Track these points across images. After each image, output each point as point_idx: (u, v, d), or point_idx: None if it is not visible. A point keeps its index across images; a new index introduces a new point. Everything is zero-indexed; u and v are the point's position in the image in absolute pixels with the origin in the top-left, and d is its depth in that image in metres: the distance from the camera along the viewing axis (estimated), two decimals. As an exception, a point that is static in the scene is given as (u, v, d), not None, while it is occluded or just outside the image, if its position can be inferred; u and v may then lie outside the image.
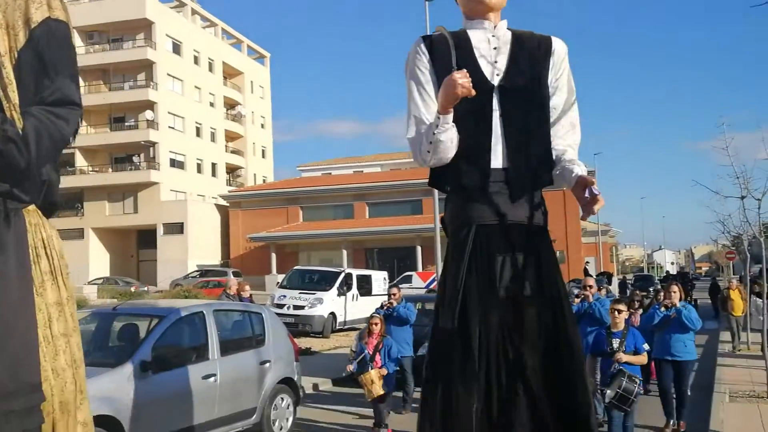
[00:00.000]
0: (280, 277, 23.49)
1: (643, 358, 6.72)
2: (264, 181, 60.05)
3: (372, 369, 7.56)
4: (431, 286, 25.18)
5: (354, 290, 21.38)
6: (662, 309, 7.90)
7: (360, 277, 22.44)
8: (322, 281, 21.16)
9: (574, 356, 2.78)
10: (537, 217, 2.87)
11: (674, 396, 7.96)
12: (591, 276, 30.43)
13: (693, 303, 25.56)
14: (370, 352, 7.68)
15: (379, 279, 23.74)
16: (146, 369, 6.17)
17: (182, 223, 45.81)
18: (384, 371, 7.63)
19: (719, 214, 18.31)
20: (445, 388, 2.76)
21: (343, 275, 21.32)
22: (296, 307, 19.47)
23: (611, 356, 6.49)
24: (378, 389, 7.50)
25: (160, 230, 46.50)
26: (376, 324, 7.87)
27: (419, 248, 39.11)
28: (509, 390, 2.71)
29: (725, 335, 17.49)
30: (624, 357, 6.46)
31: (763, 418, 8.14)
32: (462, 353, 2.76)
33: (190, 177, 50.71)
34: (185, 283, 34.82)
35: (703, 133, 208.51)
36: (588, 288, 8.64)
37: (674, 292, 7.93)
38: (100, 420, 5.67)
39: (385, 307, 9.37)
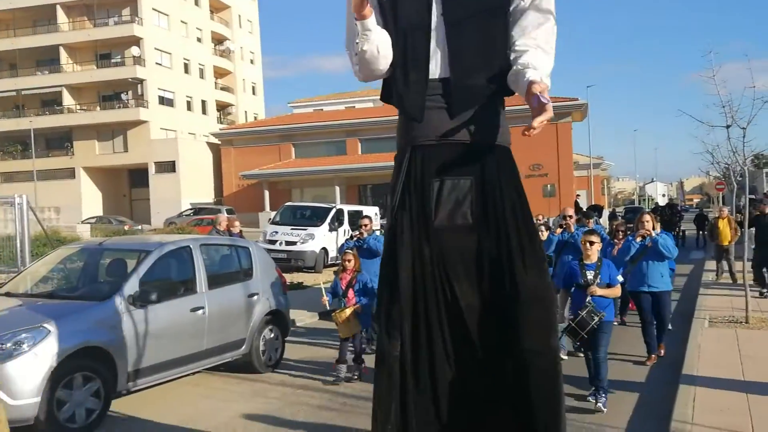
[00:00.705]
0: (274, 215, 23.54)
1: (617, 291, 6.48)
2: (255, 118, 59.41)
3: (345, 306, 7.27)
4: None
5: (345, 226, 21.48)
6: (638, 239, 7.67)
7: (352, 213, 22.50)
8: (313, 217, 21.25)
9: (520, 294, 2.44)
10: (486, 133, 2.50)
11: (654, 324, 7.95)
12: (581, 208, 30.60)
13: (681, 234, 25.96)
14: (343, 288, 7.38)
15: (371, 215, 23.81)
16: (134, 302, 6.28)
17: (174, 161, 45.57)
18: (358, 307, 7.28)
19: (707, 145, 18.23)
20: (378, 334, 2.60)
21: (334, 211, 21.39)
22: (288, 243, 19.61)
23: (585, 288, 6.21)
24: (350, 329, 7.18)
25: (151, 169, 46.28)
26: (349, 260, 7.47)
27: (412, 184, 39.04)
28: (446, 335, 2.45)
29: (710, 264, 17.78)
30: (598, 290, 6.16)
31: (739, 341, 8.38)
32: (389, 296, 2.53)
33: (179, 115, 50.12)
34: (179, 221, 34.92)
35: (696, 64, 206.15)
36: (568, 218, 8.55)
37: (646, 221, 7.67)
38: (90, 351, 5.82)
39: (355, 239, 9.33)
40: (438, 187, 2.51)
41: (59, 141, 48.51)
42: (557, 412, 2.46)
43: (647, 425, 5.64)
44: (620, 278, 6.52)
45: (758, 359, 7.39)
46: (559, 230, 8.55)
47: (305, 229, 20.10)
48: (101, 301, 6.24)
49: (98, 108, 48.49)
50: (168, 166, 45.80)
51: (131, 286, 6.37)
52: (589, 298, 6.08)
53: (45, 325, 5.64)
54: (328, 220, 20.72)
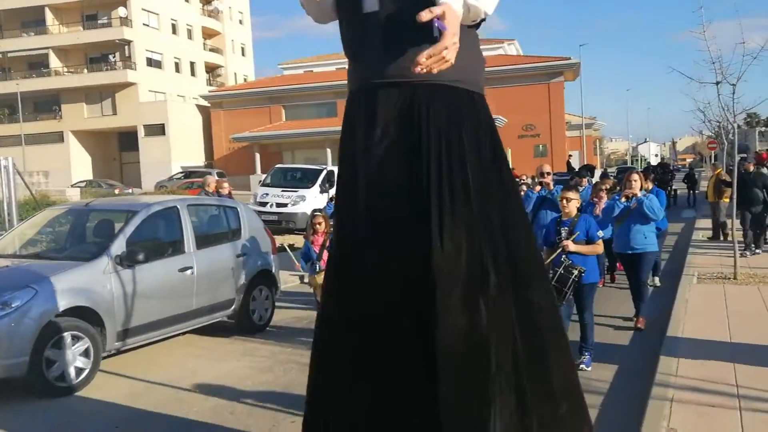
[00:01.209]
0: (264, 177, 23.44)
1: (596, 248, 6.02)
2: (245, 80, 58.69)
3: (321, 270, 6.76)
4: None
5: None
6: (622, 199, 7.30)
7: (343, 175, 22.43)
8: (304, 179, 21.17)
9: (432, 268, 2.16)
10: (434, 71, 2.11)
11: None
12: (573, 168, 30.59)
13: (673, 193, 26.03)
14: (317, 251, 7.03)
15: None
16: (121, 262, 6.26)
17: (163, 124, 45.12)
18: None
19: (698, 102, 18.21)
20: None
21: (325, 172, 21.29)
22: (279, 205, 19.57)
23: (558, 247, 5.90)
24: None
25: (140, 132, 45.85)
26: (319, 223, 7.16)
27: (404, 145, 38.89)
28: (381, 312, 2.26)
29: (700, 223, 17.89)
30: (571, 246, 5.79)
31: (727, 296, 8.46)
32: (333, 263, 2.44)
33: (168, 77, 49.46)
34: (169, 184, 34.75)
35: (687, 23, 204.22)
36: (546, 175, 8.33)
37: (634, 180, 7.28)
38: (78, 311, 5.82)
39: (335, 201, 9.17)
40: (373, 130, 2.28)
41: (47, 104, 47.89)
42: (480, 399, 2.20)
43: (632, 381, 5.70)
44: (601, 233, 6.14)
45: (744, 314, 7.47)
46: (537, 188, 8.37)
47: (296, 191, 20.03)
48: (88, 261, 6.21)
49: (85, 70, 47.76)
50: (157, 129, 45.37)
51: (118, 247, 6.34)
52: (564, 255, 5.79)
53: (32, 285, 5.63)
54: (319, 181, 20.64)
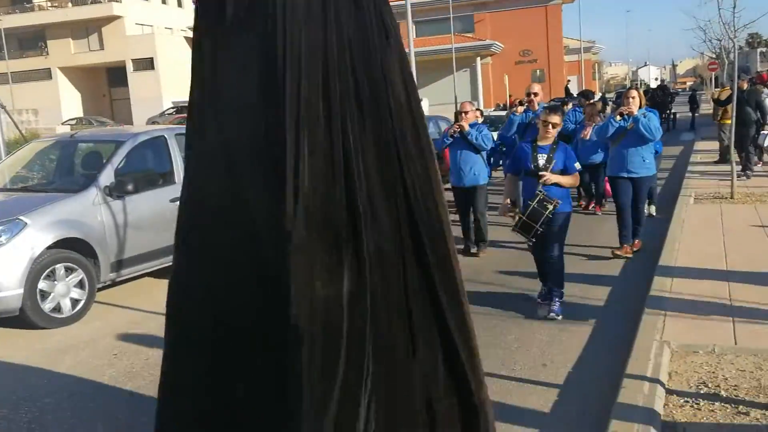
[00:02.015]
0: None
1: (573, 180, 5.46)
2: (234, 10, 57.09)
3: None
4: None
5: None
6: (617, 118, 6.72)
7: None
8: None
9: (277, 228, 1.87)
10: None
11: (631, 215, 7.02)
12: (571, 94, 30.18)
13: (672, 116, 25.74)
14: None
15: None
16: (110, 193, 6.18)
17: (152, 58, 44.14)
18: None
19: (699, 20, 17.79)
20: None
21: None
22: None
23: (535, 176, 5.30)
24: None
25: (129, 67, 44.92)
26: None
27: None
28: (232, 280, 2.02)
29: (699, 145, 17.75)
30: (552, 177, 5.23)
31: (723, 215, 8.44)
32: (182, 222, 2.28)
33: (154, 8, 48.10)
34: (162, 120, 34.28)
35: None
36: (533, 95, 7.65)
37: (632, 97, 6.72)
38: (69, 242, 5.78)
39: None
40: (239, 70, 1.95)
41: (32, 41, 46.72)
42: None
43: (625, 302, 5.67)
44: (578, 165, 5.53)
45: (739, 231, 7.47)
46: (521, 109, 7.69)
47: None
48: (77, 193, 6.13)
49: (70, 4, 46.38)
50: (146, 64, 44.42)
51: (107, 177, 6.24)
52: (540, 187, 5.22)
53: (21, 217, 5.57)
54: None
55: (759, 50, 50.87)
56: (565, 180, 5.32)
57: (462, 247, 7.37)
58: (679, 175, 12.72)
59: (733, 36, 9.66)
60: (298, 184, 1.78)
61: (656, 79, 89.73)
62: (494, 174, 10.50)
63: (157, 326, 5.51)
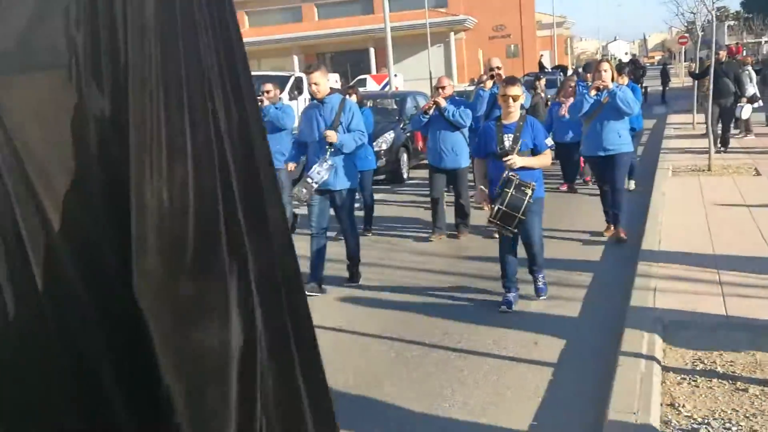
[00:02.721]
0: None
1: (545, 159, 5.00)
2: (202, -15, 55.92)
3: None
4: (385, 89, 24.78)
5: (306, 94, 20.85)
6: (592, 93, 6.24)
7: (311, 82, 21.80)
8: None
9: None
10: None
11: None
12: (545, 68, 30.17)
13: (644, 90, 25.88)
14: None
15: (331, 82, 23.12)
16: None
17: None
18: None
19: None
20: None
21: (293, 79, 20.70)
22: (247, 115, 19.04)
23: (501, 159, 4.84)
24: None
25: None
26: None
27: (372, 50, 37.87)
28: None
29: (671, 118, 17.90)
30: (518, 160, 4.78)
31: (702, 187, 8.48)
32: None
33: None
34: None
35: None
36: (496, 69, 7.10)
37: (604, 70, 6.23)
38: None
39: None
40: None
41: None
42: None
43: (611, 283, 5.67)
44: (549, 142, 5.08)
45: (720, 204, 7.50)
46: (490, 83, 7.07)
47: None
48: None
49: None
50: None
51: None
52: (507, 171, 4.77)
53: None
54: (287, 88, 20.05)
55: (726, 23, 51.29)
56: (533, 162, 4.89)
57: (431, 231, 7.18)
58: (655, 148, 12.77)
59: (711, 8, 9.63)
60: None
61: (626, 53, 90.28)
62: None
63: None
